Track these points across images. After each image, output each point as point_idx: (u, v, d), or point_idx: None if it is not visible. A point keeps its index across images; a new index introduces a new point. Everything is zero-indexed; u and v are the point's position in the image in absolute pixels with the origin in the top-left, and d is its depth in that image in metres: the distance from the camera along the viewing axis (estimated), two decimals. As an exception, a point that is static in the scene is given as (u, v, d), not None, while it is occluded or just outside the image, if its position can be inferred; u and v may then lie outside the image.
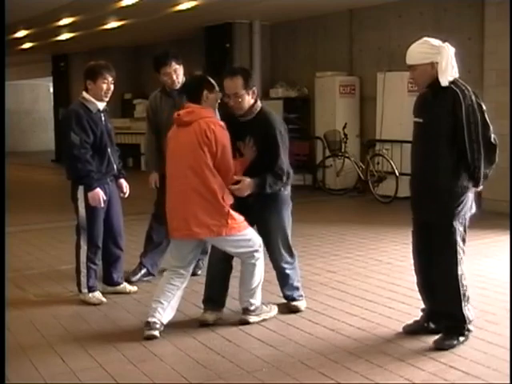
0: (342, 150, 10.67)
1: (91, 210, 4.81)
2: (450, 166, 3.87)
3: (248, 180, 4.20)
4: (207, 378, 3.58)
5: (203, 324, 4.35)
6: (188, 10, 11.03)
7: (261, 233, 4.52)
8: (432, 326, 4.09)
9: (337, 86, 11.16)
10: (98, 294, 4.94)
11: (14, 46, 16.02)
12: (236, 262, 4.52)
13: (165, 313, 4.17)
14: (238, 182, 4.20)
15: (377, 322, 4.41)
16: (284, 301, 4.81)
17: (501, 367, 3.61)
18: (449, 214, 3.89)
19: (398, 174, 9.66)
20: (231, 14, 12.04)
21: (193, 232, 4.11)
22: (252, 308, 4.37)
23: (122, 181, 5.17)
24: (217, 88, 4.29)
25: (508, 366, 3.55)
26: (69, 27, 13.52)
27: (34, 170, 17.16)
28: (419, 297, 4.97)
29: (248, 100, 4.31)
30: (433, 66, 3.96)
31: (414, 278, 5.54)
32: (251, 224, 4.40)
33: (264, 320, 4.39)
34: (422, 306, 4.21)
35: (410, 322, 4.22)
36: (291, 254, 4.62)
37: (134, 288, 5.22)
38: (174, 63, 5.38)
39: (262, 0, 10.73)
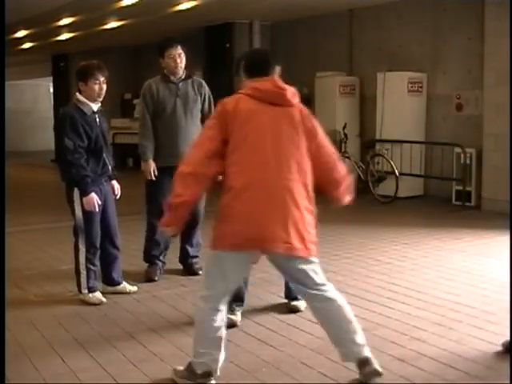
0: (342, 150, 10.66)
1: (88, 211, 4.81)
2: None
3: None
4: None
5: (233, 326, 4.18)
6: (188, 9, 11.03)
7: None
8: None
9: (337, 86, 11.15)
10: (98, 294, 4.94)
11: (14, 46, 16.02)
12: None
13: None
14: None
15: (377, 322, 4.41)
16: (284, 301, 4.82)
17: (501, 367, 3.60)
18: None
19: (397, 174, 9.67)
20: (231, 14, 12.04)
21: (293, 247, 3.12)
22: (366, 353, 3.30)
23: (114, 182, 5.15)
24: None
25: (508, 366, 3.55)
26: (69, 27, 13.53)
27: (34, 170, 17.17)
28: (419, 297, 4.99)
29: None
30: None
31: (415, 278, 5.57)
32: None
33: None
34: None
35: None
36: None
37: (134, 288, 5.22)
38: (179, 47, 5.39)
39: (261, 0, 10.74)
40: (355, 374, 3.55)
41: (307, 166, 3.26)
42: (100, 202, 4.82)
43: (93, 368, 3.72)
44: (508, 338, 3.82)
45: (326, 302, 3.30)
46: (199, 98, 5.53)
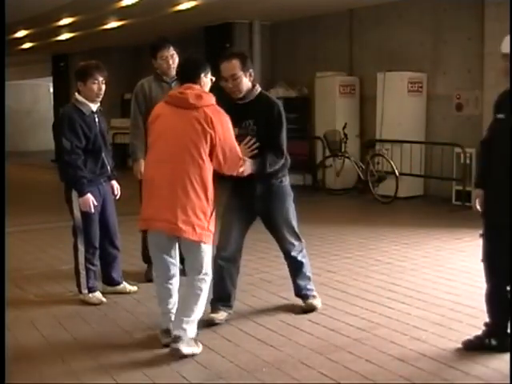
0: (342, 150, 10.66)
1: (86, 211, 4.82)
2: None
3: (249, 160, 4.15)
4: (207, 378, 3.58)
5: (210, 324, 4.30)
6: (188, 10, 11.03)
7: (266, 224, 4.57)
8: (494, 342, 3.78)
9: (337, 85, 11.15)
10: (98, 294, 4.95)
11: (14, 46, 16.03)
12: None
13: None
14: None
15: (377, 322, 4.41)
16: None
17: (501, 367, 3.60)
18: None
19: (397, 174, 9.67)
20: (231, 14, 12.05)
21: (178, 228, 3.72)
22: (184, 338, 3.78)
23: (114, 182, 5.16)
24: (210, 72, 4.12)
25: (508, 367, 3.55)
26: (69, 27, 13.54)
27: (34, 170, 17.17)
28: (419, 297, 5.00)
29: (246, 82, 4.32)
30: None
31: (415, 278, 5.58)
32: (255, 214, 4.47)
33: (194, 354, 3.83)
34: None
35: (471, 337, 3.90)
36: (299, 239, 4.63)
37: (134, 288, 5.22)
38: (171, 48, 5.40)
39: (261, 0, 10.74)
40: (355, 374, 3.56)
41: (202, 160, 3.75)
42: (96, 203, 4.82)
43: (93, 368, 3.73)
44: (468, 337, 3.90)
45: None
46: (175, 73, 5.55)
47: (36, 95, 25.29)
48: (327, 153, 11.00)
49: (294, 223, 4.59)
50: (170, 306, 4.03)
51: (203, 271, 3.88)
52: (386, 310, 4.68)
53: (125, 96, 16.41)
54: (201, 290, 3.88)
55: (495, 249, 3.71)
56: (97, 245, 4.94)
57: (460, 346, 3.88)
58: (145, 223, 3.92)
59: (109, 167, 4.98)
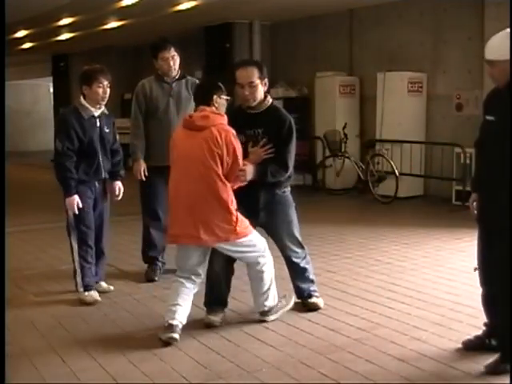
0: (342, 150, 10.66)
1: (78, 209, 4.86)
2: None
3: (250, 166, 4.18)
4: (207, 378, 3.58)
5: (210, 326, 4.31)
6: (188, 9, 11.03)
7: (269, 233, 4.58)
8: (494, 343, 3.75)
9: (337, 86, 11.15)
10: (93, 293, 4.96)
11: (14, 46, 16.02)
12: (237, 264, 4.51)
13: (184, 314, 4.14)
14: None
15: (377, 322, 4.41)
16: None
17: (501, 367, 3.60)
18: None
19: (397, 174, 9.67)
20: (231, 14, 12.04)
21: (201, 239, 4.06)
22: (267, 309, 4.39)
23: (118, 183, 5.18)
24: (225, 93, 4.26)
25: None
26: (69, 27, 13.53)
27: (34, 170, 17.16)
28: (419, 297, 5.00)
29: (261, 91, 4.34)
30: None
31: (415, 278, 5.58)
32: (259, 226, 4.47)
33: (283, 312, 4.48)
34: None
35: (471, 337, 3.91)
36: (301, 247, 4.65)
37: (110, 287, 5.24)
38: (172, 49, 5.41)
39: (261, 0, 10.74)
40: (355, 374, 3.56)
41: (214, 177, 4.03)
42: (81, 205, 4.86)
43: (93, 368, 3.73)
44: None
45: None
46: (192, 97, 5.54)
47: (36, 95, 25.27)
48: (327, 153, 11.00)
49: (297, 232, 4.61)
50: (179, 299, 4.14)
51: (256, 260, 4.27)
52: (386, 310, 4.68)
53: (125, 96, 16.41)
54: (261, 271, 4.29)
55: (487, 254, 3.67)
56: (90, 242, 4.97)
57: (460, 345, 3.88)
58: (170, 239, 4.30)
59: (104, 171, 5.01)
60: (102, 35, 14.14)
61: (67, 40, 15.19)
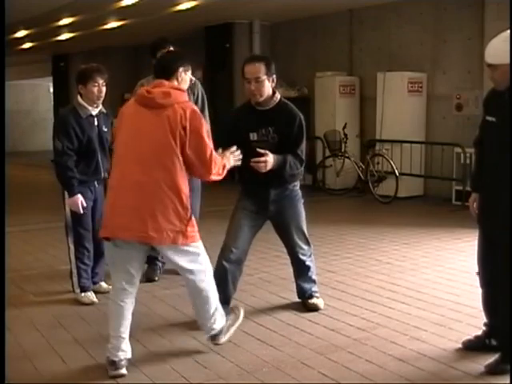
0: (342, 150, 10.66)
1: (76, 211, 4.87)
2: None
3: (271, 155, 4.14)
4: (207, 378, 3.58)
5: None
6: (188, 9, 11.03)
7: (278, 228, 4.59)
8: (494, 343, 3.76)
9: (337, 86, 11.15)
10: (90, 295, 4.97)
11: (14, 46, 16.02)
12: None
13: (128, 346, 3.66)
14: (260, 156, 4.13)
15: (377, 322, 4.41)
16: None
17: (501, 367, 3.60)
18: None
19: (397, 174, 9.67)
20: (231, 14, 12.04)
21: (148, 236, 3.47)
22: (217, 332, 3.86)
23: None
24: (190, 69, 3.84)
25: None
26: (69, 27, 13.53)
27: (34, 170, 17.16)
28: (419, 297, 5.00)
29: (268, 86, 4.32)
30: None
31: (415, 278, 5.58)
32: (267, 219, 4.46)
33: (235, 329, 4.01)
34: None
35: (471, 337, 3.92)
36: (308, 244, 4.67)
37: (111, 287, 5.23)
38: (172, 47, 5.42)
39: (262, 0, 10.73)
40: (355, 374, 3.56)
41: (173, 162, 3.48)
42: (85, 205, 4.86)
43: (93, 368, 3.72)
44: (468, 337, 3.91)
45: None
46: (192, 96, 5.56)
47: (36, 95, 25.26)
48: (327, 153, 11.00)
49: (305, 228, 4.63)
50: (122, 329, 3.63)
51: (197, 270, 3.68)
52: (386, 310, 4.68)
53: (125, 96, 16.41)
54: (206, 290, 3.73)
55: (488, 254, 3.67)
56: (87, 245, 4.97)
57: (460, 345, 3.88)
58: (109, 231, 3.57)
59: (103, 170, 5.01)
60: (101, 35, 14.14)
61: (67, 40, 15.18)
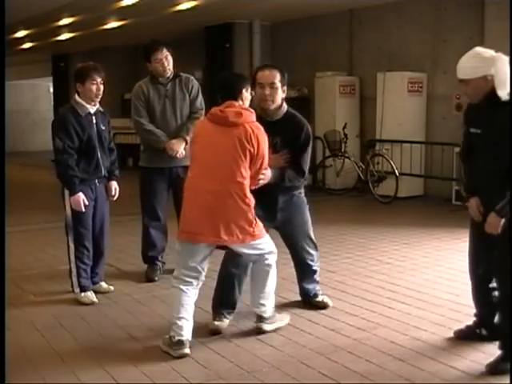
0: (342, 150, 10.67)
1: (76, 210, 4.86)
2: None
3: (269, 169, 4.16)
4: (207, 378, 3.58)
5: (215, 333, 4.22)
6: (188, 9, 11.03)
7: (286, 237, 4.63)
8: (484, 332, 3.94)
9: (337, 86, 11.16)
10: (90, 294, 4.96)
11: (14, 46, 16.02)
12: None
13: (190, 329, 3.95)
14: None
15: (377, 322, 4.41)
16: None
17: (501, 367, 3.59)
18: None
19: (397, 174, 9.67)
20: (231, 14, 12.04)
21: (221, 239, 3.90)
22: (266, 316, 4.18)
23: (113, 183, 5.16)
24: (249, 85, 4.16)
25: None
26: (69, 27, 13.53)
27: (34, 170, 17.16)
28: (419, 297, 5.00)
29: (280, 95, 4.35)
30: (486, 79, 3.57)
31: (415, 278, 5.57)
32: (275, 227, 4.52)
33: (278, 328, 4.23)
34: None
35: (462, 327, 4.08)
36: (315, 249, 4.73)
37: (110, 287, 5.24)
38: (165, 50, 5.43)
39: (261, 0, 10.74)
40: (355, 374, 3.56)
41: (242, 176, 3.88)
42: (87, 203, 4.86)
43: (93, 368, 3.72)
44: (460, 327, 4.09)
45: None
46: (187, 95, 5.57)
47: (36, 95, 25.27)
48: (327, 153, 11.00)
49: (311, 233, 4.68)
50: (184, 315, 3.94)
51: (265, 256, 4.09)
52: (386, 309, 4.69)
53: (125, 96, 16.41)
54: (269, 266, 4.12)
55: (476, 250, 3.92)
56: (86, 244, 4.96)
57: (452, 335, 4.02)
58: (186, 236, 3.97)
59: (103, 169, 5.00)
60: (101, 35, 14.14)
61: (67, 40, 15.19)
